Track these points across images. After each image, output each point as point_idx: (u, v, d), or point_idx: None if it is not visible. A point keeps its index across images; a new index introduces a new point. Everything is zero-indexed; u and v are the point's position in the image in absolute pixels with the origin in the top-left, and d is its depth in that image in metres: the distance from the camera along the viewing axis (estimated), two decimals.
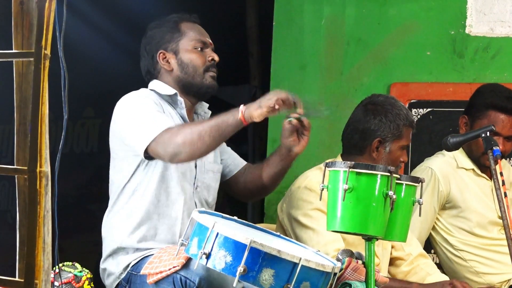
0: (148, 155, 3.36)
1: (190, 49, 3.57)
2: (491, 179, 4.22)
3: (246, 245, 2.70)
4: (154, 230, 3.46)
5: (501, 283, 4.18)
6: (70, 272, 3.49)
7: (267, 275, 2.70)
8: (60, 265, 3.48)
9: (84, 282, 3.49)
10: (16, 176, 3.03)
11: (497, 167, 3.58)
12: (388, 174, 2.92)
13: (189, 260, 3.16)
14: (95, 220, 3.97)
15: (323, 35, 5.01)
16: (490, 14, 4.85)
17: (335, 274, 2.81)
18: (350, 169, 2.90)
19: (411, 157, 4.73)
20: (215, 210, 3.40)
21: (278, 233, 3.11)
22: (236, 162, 3.72)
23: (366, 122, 3.75)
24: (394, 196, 2.92)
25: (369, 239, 2.97)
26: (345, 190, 2.90)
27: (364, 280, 2.98)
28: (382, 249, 3.82)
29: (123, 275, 3.45)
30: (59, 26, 2.98)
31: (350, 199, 2.91)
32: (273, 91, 3.30)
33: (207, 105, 3.70)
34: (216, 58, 3.59)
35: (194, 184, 3.54)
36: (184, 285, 3.18)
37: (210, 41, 3.62)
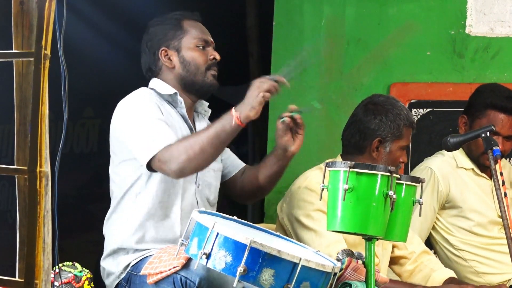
0: (152, 169, 3.37)
1: (192, 47, 3.57)
2: (491, 179, 4.23)
3: (246, 245, 2.70)
4: (155, 230, 3.45)
5: (501, 282, 4.17)
6: (70, 272, 3.48)
7: (267, 275, 2.70)
8: (60, 265, 3.47)
9: (84, 282, 3.48)
10: (16, 176, 3.03)
11: (497, 166, 3.58)
12: (389, 174, 2.92)
13: (189, 260, 3.16)
14: (95, 220, 3.97)
15: (323, 35, 5.01)
16: (490, 14, 4.85)
17: (335, 274, 2.81)
18: (351, 169, 2.90)
19: (411, 157, 4.73)
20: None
21: (278, 233, 3.11)
22: (234, 164, 3.72)
23: (367, 121, 3.75)
24: (394, 196, 2.92)
25: (369, 239, 2.97)
26: (345, 190, 2.90)
27: (364, 280, 2.98)
28: (382, 249, 3.82)
29: (123, 275, 3.45)
30: (59, 26, 2.98)
31: (350, 199, 2.91)
32: (254, 83, 3.29)
33: (207, 103, 3.70)
34: (218, 57, 3.59)
35: (196, 183, 3.54)
36: (184, 285, 3.18)
37: (212, 39, 3.62)
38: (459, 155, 4.26)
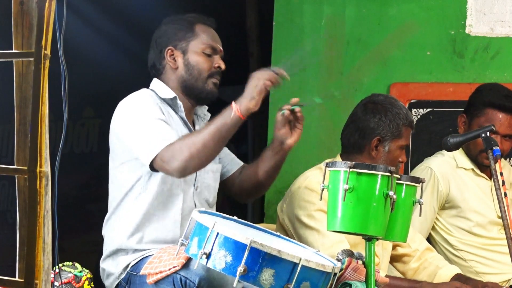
0: (154, 169, 3.37)
1: (199, 51, 3.56)
2: (490, 179, 4.23)
3: (246, 245, 2.70)
4: (155, 231, 3.45)
5: (501, 283, 4.17)
6: (70, 272, 3.49)
7: (267, 275, 2.70)
8: (60, 265, 3.47)
9: (84, 282, 3.48)
10: (16, 176, 3.03)
11: (497, 166, 3.58)
12: (389, 174, 2.92)
13: (189, 260, 3.16)
14: (95, 220, 3.96)
15: (323, 35, 5.01)
16: (490, 14, 4.85)
17: (335, 274, 2.81)
18: (351, 169, 2.90)
19: (411, 157, 4.73)
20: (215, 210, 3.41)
21: (278, 233, 3.11)
22: (233, 163, 3.72)
23: (366, 120, 3.75)
24: (395, 196, 2.92)
25: (369, 239, 2.97)
26: (346, 190, 2.90)
27: (364, 280, 2.98)
28: (382, 249, 3.83)
29: (123, 275, 3.45)
30: (59, 26, 2.98)
31: (350, 199, 2.91)
32: (255, 75, 3.30)
33: (207, 107, 3.70)
34: (223, 66, 3.58)
35: (194, 185, 3.53)
36: (184, 285, 3.18)
37: (221, 48, 3.60)
38: (459, 155, 4.26)
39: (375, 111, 3.75)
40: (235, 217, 3.06)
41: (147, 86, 3.62)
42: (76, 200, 6.60)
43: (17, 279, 2.97)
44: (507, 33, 4.85)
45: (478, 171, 4.27)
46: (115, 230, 3.49)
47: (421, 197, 3.06)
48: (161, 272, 3.25)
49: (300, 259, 2.71)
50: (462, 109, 4.31)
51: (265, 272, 2.70)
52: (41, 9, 2.94)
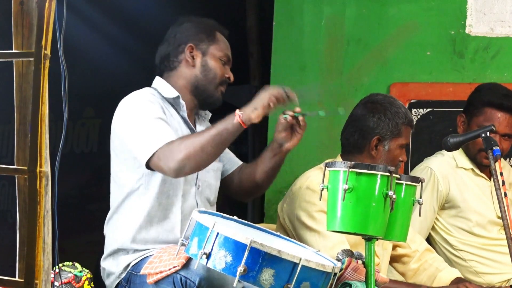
0: (151, 168, 3.37)
1: (217, 57, 3.60)
2: (490, 179, 4.23)
3: (246, 245, 2.70)
4: (156, 231, 3.45)
5: (501, 283, 4.18)
6: (70, 272, 3.48)
7: (267, 275, 2.70)
8: (60, 265, 3.47)
9: (84, 282, 3.48)
10: (16, 176, 3.03)
11: (497, 165, 3.58)
12: (388, 174, 2.92)
13: (189, 260, 3.16)
14: (95, 220, 3.97)
15: (323, 35, 5.01)
16: (490, 14, 4.85)
17: (335, 274, 2.81)
18: (350, 169, 2.90)
19: (411, 157, 4.73)
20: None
21: (278, 233, 3.11)
22: (232, 162, 3.73)
23: (365, 120, 3.75)
24: (394, 196, 2.92)
25: (369, 239, 2.97)
26: (345, 190, 2.90)
27: (364, 280, 2.98)
28: (382, 249, 3.82)
29: (123, 275, 3.45)
30: (59, 26, 2.98)
31: (350, 199, 2.91)
32: (266, 88, 3.33)
33: None
34: (232, 78, 3.63)
35: (196, 184, 3.54)
36: (184, 285, 3.18)
37: (231, 59, 3.65)
38: (459, 155, 4.26)
39: (374, 110, 3.75)
40: (235, 217, 3.06)
41: (147, 86, 3.62)
42: (76, 200, 6.60)
43: (17, 279, 2.96)
44: (507, 33, 4.85)
45: (477, 171, 4.27)
46: (117, 230, 3.49)
47: (420, 197, 3.06)
48: (161, 272, 3.25)
49: (300, 259, 2.71)
50: (462, 109, 4.31)
51: (265, 272, 2.70)
52: (41, 9, 2.94)
